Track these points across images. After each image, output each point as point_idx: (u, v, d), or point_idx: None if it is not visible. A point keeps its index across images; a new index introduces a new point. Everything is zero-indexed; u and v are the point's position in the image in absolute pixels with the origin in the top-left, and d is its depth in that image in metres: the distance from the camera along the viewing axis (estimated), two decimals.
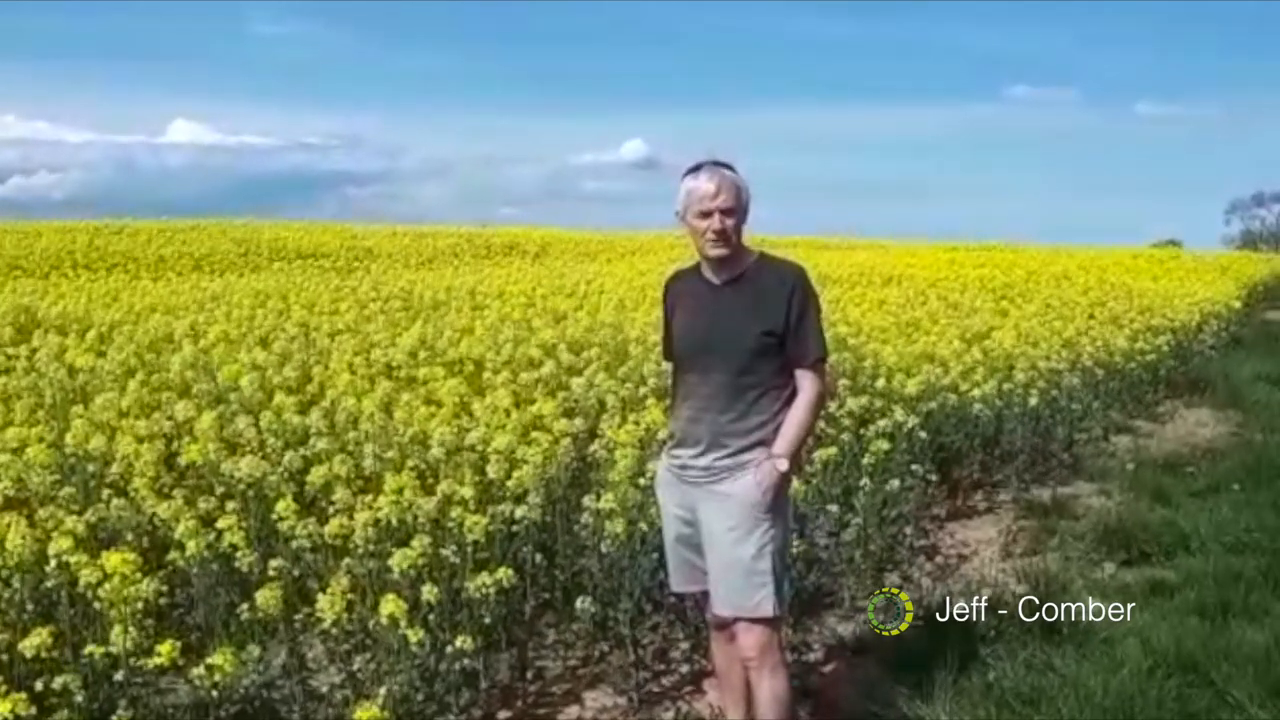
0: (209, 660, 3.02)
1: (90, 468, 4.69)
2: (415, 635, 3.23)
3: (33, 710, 2.70)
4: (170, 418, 5.37)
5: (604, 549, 4.39)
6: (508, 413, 5.26)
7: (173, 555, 3.85)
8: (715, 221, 3.51)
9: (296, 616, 3.85)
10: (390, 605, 3.20)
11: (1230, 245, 70.43)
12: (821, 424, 5.95)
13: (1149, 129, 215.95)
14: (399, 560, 3.47)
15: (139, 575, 3.11)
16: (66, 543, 3.20)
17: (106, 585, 3.02)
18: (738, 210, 3.55)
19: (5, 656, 2.87)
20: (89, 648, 3.04)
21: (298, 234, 30.19)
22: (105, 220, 30.85)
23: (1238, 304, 19.33)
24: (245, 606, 3.75)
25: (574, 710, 4.31)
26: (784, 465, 3.51)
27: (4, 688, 2.76)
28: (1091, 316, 12.05)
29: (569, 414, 5.51)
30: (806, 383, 3.56)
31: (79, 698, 2.91)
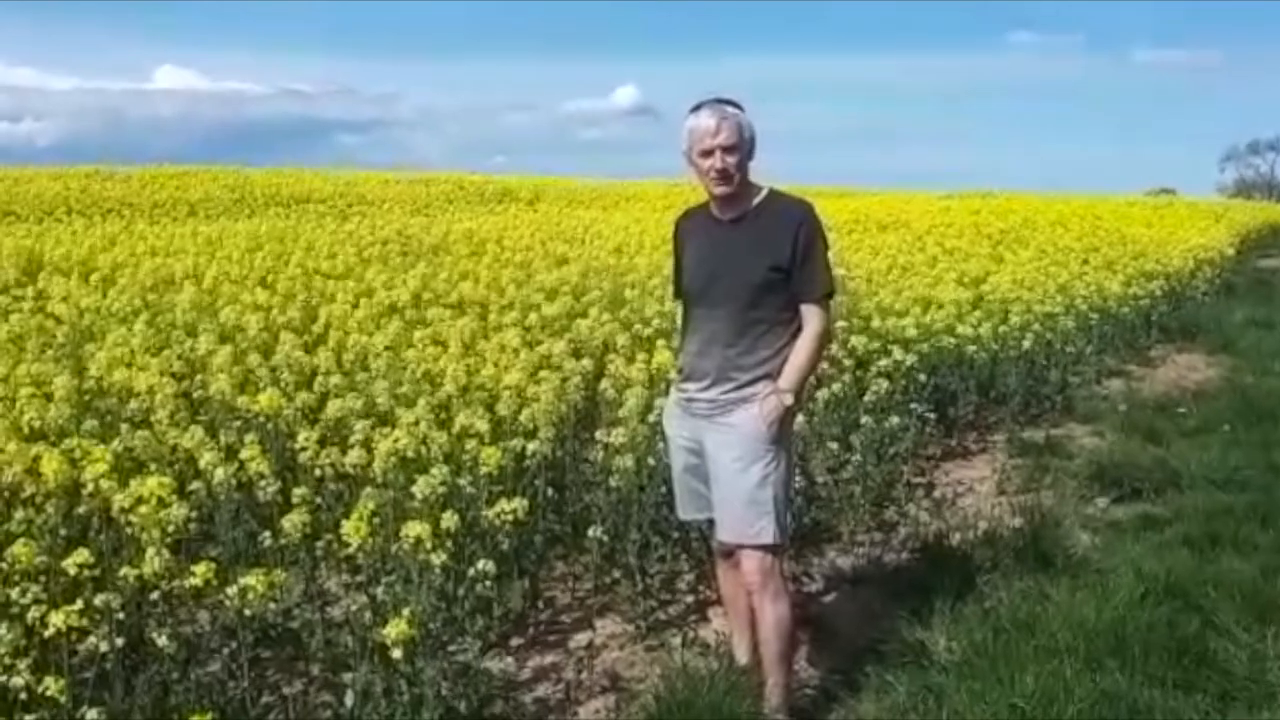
0: (243, 581, 3.12)
1: (109, 403, 4.78)
2: (439, 559, 3.34)
3: (84, 622, 2.81)
4: (181, 356, 5.46)
5: (613, 483, 4.51)
6: (516, 352, 5.35)
7: (195, 486, 3.96)
8: (717, 160, 3.56)
9: (318, 544, 3.97)
10: (416, 529, 3.31)
11: (1225, 193, 70.52)
12: (823, 365, 6.06)
13: (1147, 76, 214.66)
14: (422, 486, 3.58)
15: (174, 498, 3.21)
16: (102, 467, 3.29)
17: (142, 509, 3.12)
18: (740, 147, 3.58)
19: (44, 578, 2.96)
20: (123, 570, 3.14)
21: (291, 180, 30.08)
22: (99, 166, 30.62)
23: (1231, 251, 19.48)
24: (266, 534, 3.87)
25: (584, 636, 4.44)
26: (789, 399, 3.60)
27: (45, 607, 2.87)
28: (1086, 262, 12.12)
29: (576, 354, 5.60)
30: (812, 318, 3.63)
31: (120, 615, 3.01)
